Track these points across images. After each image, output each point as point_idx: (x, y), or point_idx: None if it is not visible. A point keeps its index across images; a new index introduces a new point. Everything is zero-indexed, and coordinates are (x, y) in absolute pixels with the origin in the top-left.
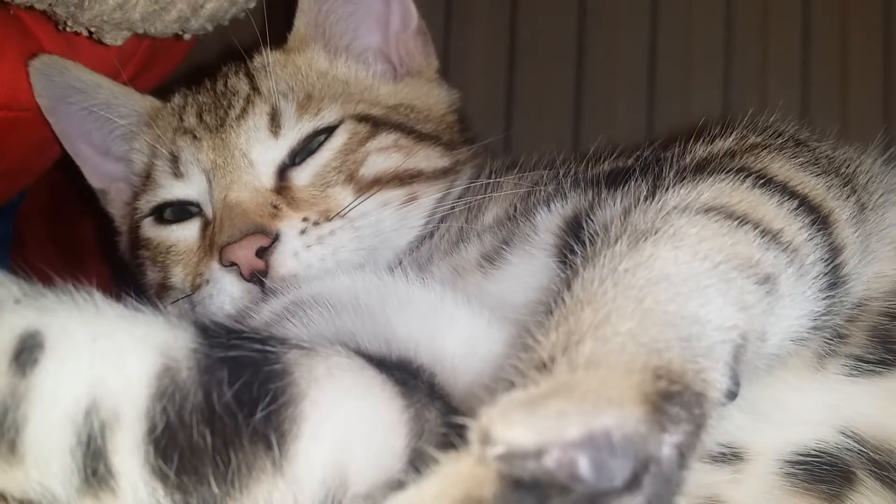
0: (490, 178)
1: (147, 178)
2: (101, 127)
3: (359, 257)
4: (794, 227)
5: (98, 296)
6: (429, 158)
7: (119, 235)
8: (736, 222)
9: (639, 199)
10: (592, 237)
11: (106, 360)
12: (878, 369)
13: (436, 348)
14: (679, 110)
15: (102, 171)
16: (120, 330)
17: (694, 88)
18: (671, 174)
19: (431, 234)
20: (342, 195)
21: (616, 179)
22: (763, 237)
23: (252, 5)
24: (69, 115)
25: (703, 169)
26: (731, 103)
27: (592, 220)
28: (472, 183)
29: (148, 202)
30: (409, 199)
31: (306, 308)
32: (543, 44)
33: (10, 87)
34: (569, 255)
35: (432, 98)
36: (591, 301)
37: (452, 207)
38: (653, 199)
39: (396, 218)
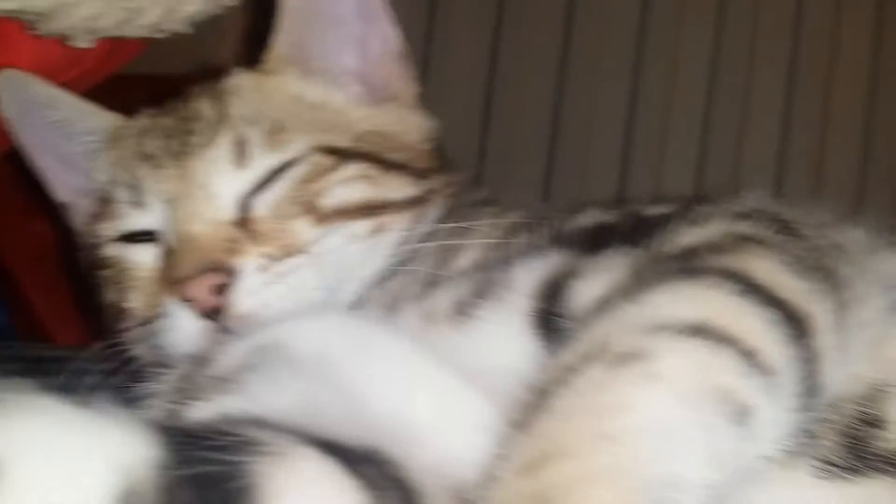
0: (465, 216)
1: (106, 203)
2: (64, 141)
3: (322, 294)
4: (775, 346)
5: (55, 400)
6: (398, 188)
7: (81, 251)
8: (718, 345)
9: (621, 287)
10: (569, 324)
11: (67, 487)
12: (846, 475)
13: (407, 435)
14: (655, 154)
15: (67, 185)
16: (81, 446)
17: (671, 139)
18: (655, 269)
19: (401, 268)
20: (303, 228)
21: (597, 241)
22: (744, 360)
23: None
24: (34, 129)
25: (689, 262)
26: (708, 150)
27: (570, 292)
28: (443, 220)
29: (107, 229)
30: (375, 231)
31: (272, 363)
32: (522, 83)
33: None
34: (544, 327)
35: (408, 125)
36: (563, 439)
37: (424, 240)
38: (635, 295)
39: (362, 251)
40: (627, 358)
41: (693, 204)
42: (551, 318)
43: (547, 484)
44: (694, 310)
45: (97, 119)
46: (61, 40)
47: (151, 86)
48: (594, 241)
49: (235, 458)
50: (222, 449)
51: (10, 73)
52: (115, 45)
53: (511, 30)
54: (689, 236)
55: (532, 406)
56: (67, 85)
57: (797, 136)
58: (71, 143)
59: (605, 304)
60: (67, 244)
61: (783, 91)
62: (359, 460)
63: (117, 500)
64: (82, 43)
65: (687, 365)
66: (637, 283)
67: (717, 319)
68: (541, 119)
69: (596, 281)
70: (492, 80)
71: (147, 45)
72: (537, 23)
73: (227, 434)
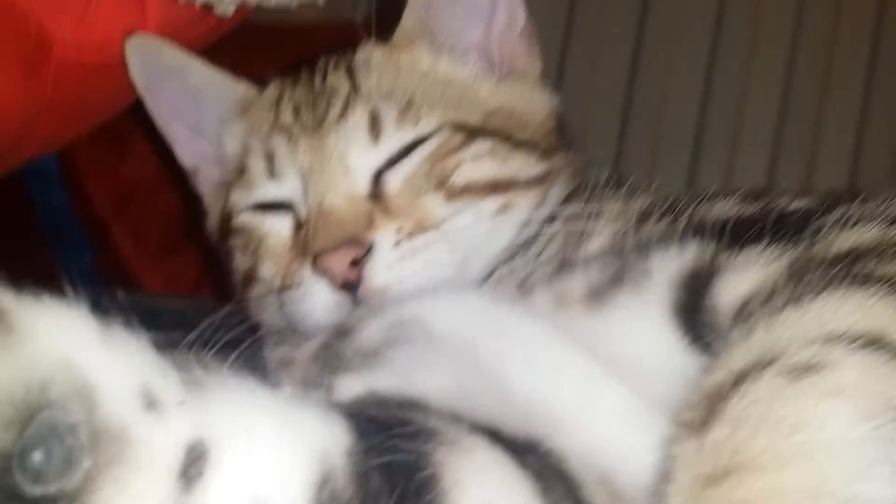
0: (592, 197)
1: (240, 172)
2: (194, 108)
3: (452, 270)
4: None
5: (250, 381)
6: (525, 166)
7: (205, 216)
8: (891, 357)
9: (774, 288)
10: (720, 320)
11: (269, 472)
12: None
13: (553, 422)
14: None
15: (194, 151)
16: (279, 430)
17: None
18: (817, 273)
19: (528, 248)
20: (434, 203)
21: (738, 235)
22: None
23: None
24: (163, 95)
25: (852, 268)
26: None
27: (715, 287)
28: (568, 201)
29: (241, 198)
30: (502, 209)
31: (413, 340)
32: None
33: (104, 34)
34: (686, 320)
35: (533, 103)
36: (748, 452)
37: (549, 220)
38: (801, 301)
39: (489, 229)
40: (805, 369)
41: (837, 201)
42: (694, 312)
43: (739, 498)
44: (868, 321)
45: (228, 88)
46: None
47: (269, 35)
48: (735, 235)
49: (420, 447)
50: (408, 437)
51: (141, 38)
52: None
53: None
54: (847, 240)
55: (699, 407)
56: (191, 42)
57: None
58: (201, 110)
59: (763, 307)
60: (192, 209)
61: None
62: (523, 450)
63: (315, 486)
64: (225, 10)
65: (867, 378)
66: (799, 288)
67: (891, 332)
68: (613, 99)
69: (743, 278)
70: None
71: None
72: (613, 4)
73: (409, 423)
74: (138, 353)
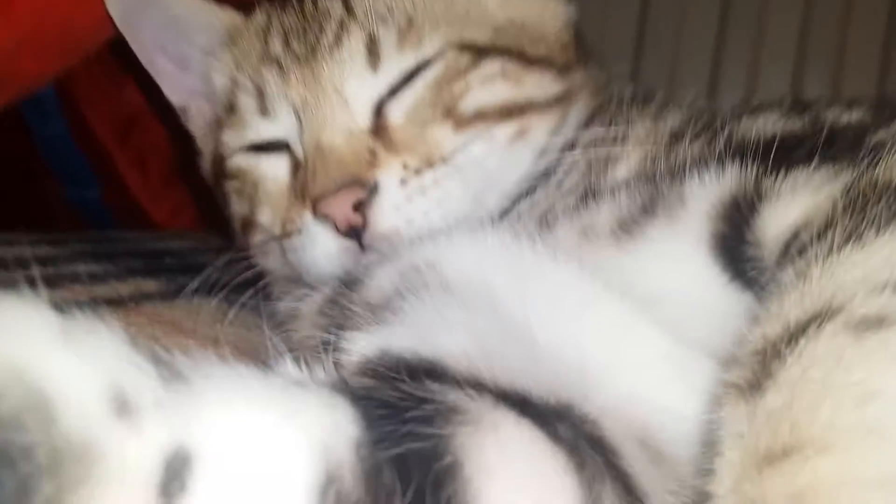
0: (617, 116)
1: (230, 110)
2: (177, 41)
3: (465, 205)
4: None
5: (243, 369)
6: (540, 86)
7: (199, 155)
8: None
9: (827, 219)
10: (765, 255)
11: (263, 480)
12: None
13: (582, 375)
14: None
15: (182, 87)
16: (275, 427)
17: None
18: (881, 202)
19: (548, 177)
20: (442, 134)
21: (782, 155)
22: None
23: None
24: (144, 28)
25: None
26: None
27: (758, 216)
28: (591, 121)
29: (233, 139)
30: (518, 135)
31: (428, 289)
32: None
33: None
34: (726, 253)
35: (547, 13)
36: (811, 427)
37: (571, 144)
38: (863, 237)
39: (505, 157)
40: (875, 323)
41: (891, 115)
42: (735, 245)
43: (803, 484)
44: None
45: (213, 16)
46: None
47: None
48: (779, 155)
49: (437, 431)
50: (424, 421)
51: None
52: None
53: None
54: None
55: (748, 365)
56: None
57: None
58: (185, 42)
59: (818, 243)
60: (183, 147)
61: None
62: (554, 418)
63: (319, 489)
64: None
65: None
66: (860, 220)
67: None
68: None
69: (790, 205)
70: None
71: None
72: None
73: (426, 401)
74: (108, 349)
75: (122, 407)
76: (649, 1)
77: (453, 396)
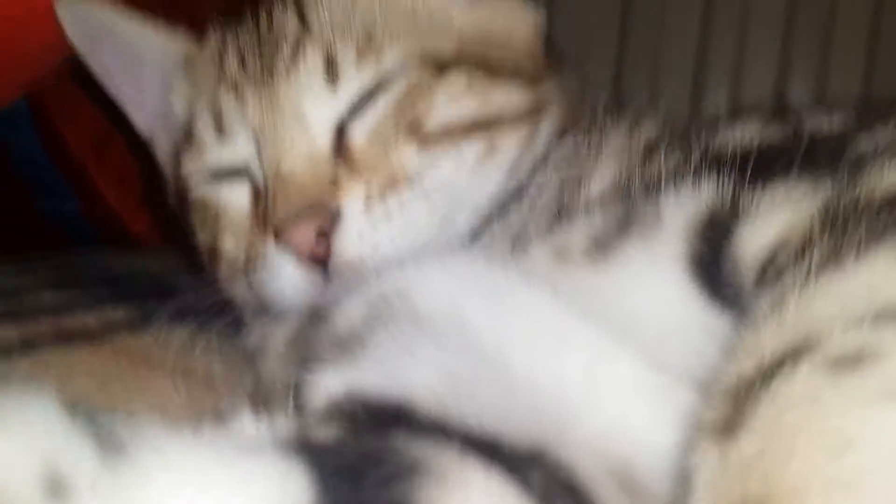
0: (591, 128)
1: (189, 136)
2: (137, 69)
3: (434, 229)
4: None
5: (189, 436)
6: (509, 98)
7: (167, 185)
8: None
9: (807, 238)
10: (743, 275)
11: None
12: None
13: (559, 408)
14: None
15: (147, 117)
16: (223, 500)
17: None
18: (862, 222)
19: (520, 195)
20: (407, 154)
21: (761, 167)
22: None
23: None
24: (103, 59)
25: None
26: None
27: (737, 233)
28: (564, 135)
29: (193, 168)
30: (487, 152)
31: (397, 320)
32: None
33: None
34: (703, 273)
35: (514, 21)
36: (782, 478)
37: (543, 160)
38: (842, 260)
39: (474, 174)
40: (853, 361)
41: (879, 119)
42: (713, 265)
43: None
44: None
45: (168, 44)
46: None
47: None
48: (758, 167)
49: (399, 492)
50: (385, 481)
51: (68, 2)
52: None
53: None
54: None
55: (721, 405)
56: None
57: None
58: (143, 72)
59: (796, 264)
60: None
61: None
62: (526, 465)
63: None
64: None
65: None
66: (838, 240)
67: None
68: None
69: (768, 223)
70: None
71: None
72: None
73: (387, 458)
74: (42, 425)
75: (56, 488)
76: (631, 3)
77: (417, 448)
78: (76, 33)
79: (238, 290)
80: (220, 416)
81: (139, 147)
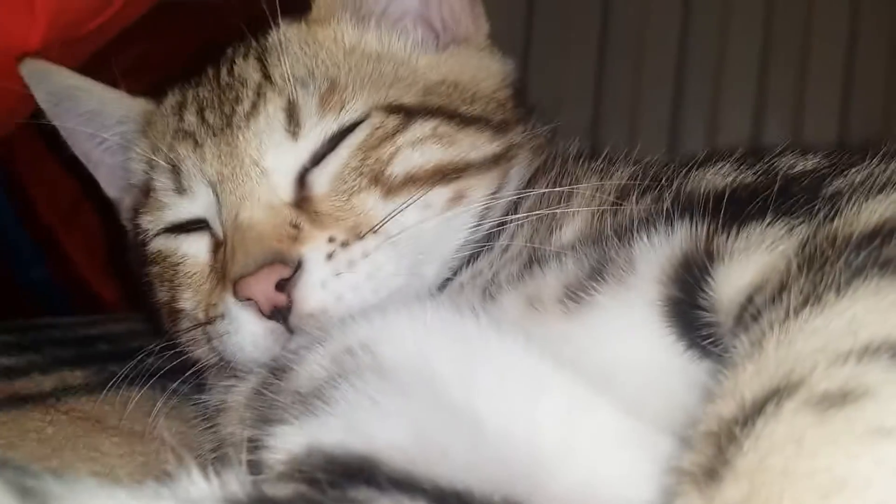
0: (561, 175)
1: (147, 193)
2: (100, 132)
3: (400, 279)
4: None
5: (127, 495)
6: (476, 146)
7: (130, 250)
8: None
9: (786, 277)
10: (721, 319)
11: None
12: None
13: (534, 463)
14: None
15: (112, 179)
16: None
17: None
18: (839, 260)
19: (489, 243)
20: (371, 202)
21: (735, 209)
22: None
23: None
24: (68, 120)
25: (881, 251)
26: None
27: (712, 277)
28: (533, 182)
29: (151, 222)
30: (455, 199)
31: (362, 374)
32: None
33: None
34: (679, 319)
35: (482, 71)
36: None
37: (513, 207)
38: (822, 298)
39: (441, 223)
40: (838, 399)
41: (852, 159)
42: (689, 310)
43: None
44: None
45: (126, 107)
46: None
47: (190, 11)
48: (731, 210)
49: None
50: None
51: (32, 64)
52: None
53: None
54: (873, 213)
55: (703, 449)
56: (101, 29)
57: None
58: (106, 133)
59: (774, 305)
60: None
61: None
62: None
63: None
64: None
65: None
66: (817, 279)
67: None
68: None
69: (746, 265)
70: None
71: None
72: None
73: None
74: None
75: None
76: (607, 48)
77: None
78: (42, 96)
79: (199, 350)
80: (167, 477)
81: (107, 210)
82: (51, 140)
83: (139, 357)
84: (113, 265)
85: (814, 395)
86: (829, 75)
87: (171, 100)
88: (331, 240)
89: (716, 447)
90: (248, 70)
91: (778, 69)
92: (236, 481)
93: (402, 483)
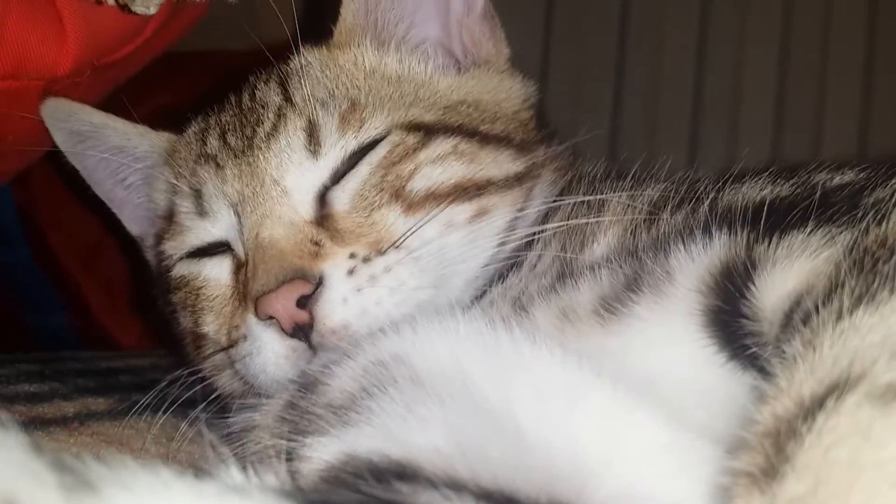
0: (590, 190)
1: (170, 220)
2: (123, 169)
3: (423, 293)
4: None
5: (167, 475)
6: (497, 164)
7: (155, 284)
8: None
9: (843, 286)
10: (765, 328)
11: None
12: None
13: (576, 471)
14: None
15: (135, 215)
16: None
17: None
18: (892, 260)
19: (518, 259)
20: (391, 218)
21: (774, 220)
22: None
23: None
24: (89, 160)
25: None
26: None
27: (755, 284)
28: (560, 199)
29: (174, 247)
30: (477, 216)
31: (396, 385)
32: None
33: (16, 54)
34: (720, 328)
35: (503, 92)
36: None
37: (539, 222)
38: (875, 299)
39: (464, 240)
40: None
41: (889, 171)
42: (731, 319)
43: None
44: None
45: (150, 141)
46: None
47: (208, 63)
48: (771, 220)
49: None
50: None
51: (53, 104)
52: (172, 12)
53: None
54: None
55: (759, 450)
56: (127, 59)
57: None
58: (129, 169)
59: (824, 308)
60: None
61: None
62: None
63: None
64: (139, 7)
65: None
66: (870, 280)
67: None
68: (604, 78)
69: (788, 272)
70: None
71: (201, 15)
72: None
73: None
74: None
75: None
76: (624, 69)
77: (426, 498)
78: (61, 133)
79: (223, 376)
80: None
81: (130, 247)
82: (70, 181)
83: (165, 383)
84: (137, 302)
85: (876, 387)
86: (849, 85)
87: (195, 127)
88: (352, 256)
89: (774, 445)
90: (270, 94)
91: (796, 83)
92: (273, 478)
93: (445, 483)
